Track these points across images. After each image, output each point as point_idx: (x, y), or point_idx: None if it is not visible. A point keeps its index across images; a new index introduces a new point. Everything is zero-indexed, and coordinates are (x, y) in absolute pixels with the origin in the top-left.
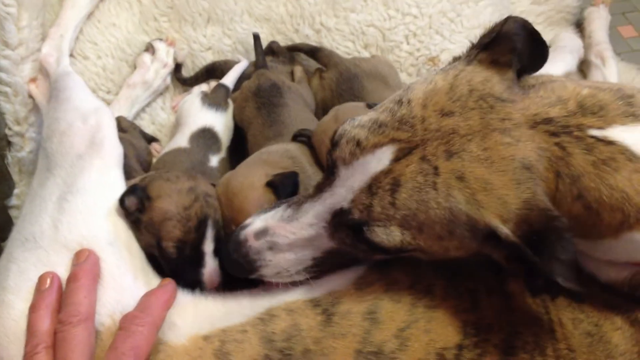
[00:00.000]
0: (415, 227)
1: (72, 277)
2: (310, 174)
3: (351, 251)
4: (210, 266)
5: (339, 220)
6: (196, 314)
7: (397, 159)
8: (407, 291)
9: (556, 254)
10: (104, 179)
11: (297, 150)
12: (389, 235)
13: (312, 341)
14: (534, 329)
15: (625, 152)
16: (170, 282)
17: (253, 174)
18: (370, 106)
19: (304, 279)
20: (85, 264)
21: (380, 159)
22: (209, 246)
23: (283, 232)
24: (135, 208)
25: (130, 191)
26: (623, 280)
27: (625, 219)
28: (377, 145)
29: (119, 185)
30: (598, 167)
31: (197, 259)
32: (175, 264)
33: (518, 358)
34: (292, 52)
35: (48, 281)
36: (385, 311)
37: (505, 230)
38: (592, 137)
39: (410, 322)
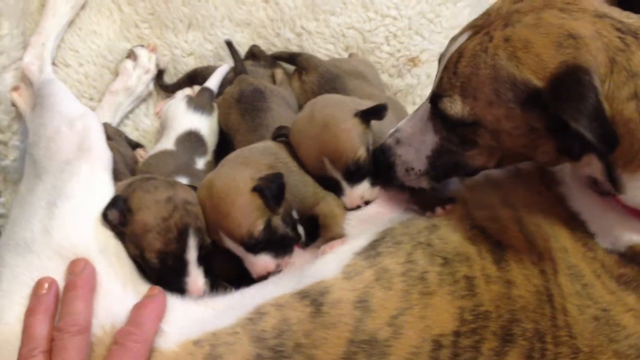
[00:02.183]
0: (471, 94)
1: (71, 286)
2: (294, 169)
3: (448, 147)
4: (194, 275)
5: (433, 106)
6: (185, 319)
7: (469, 39)
8: (398, 279)
9: (577, 101)
10: (93, 184)
11: (276, 147)
12: (452, 104)
13: (303, 334)
14: (534, 317)
15: None
16: (160, 292)
17: (238, 178)
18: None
19: (425, 183)
20: (83, 273)
21: (459, 43)
22: (192, 255)
23: (404, 127)
24: (118, 221)
25: (113, 204)
26: None
27: None
28: (461, 33)
29: (109, 190)
30: None
31: (181, 269)
32: (159, 274)
33: (517, 345)
34: (262, 49)
35: (46, 286)
36: (376, 299)
37: (535, 82)
38: None
39: (403, 309)
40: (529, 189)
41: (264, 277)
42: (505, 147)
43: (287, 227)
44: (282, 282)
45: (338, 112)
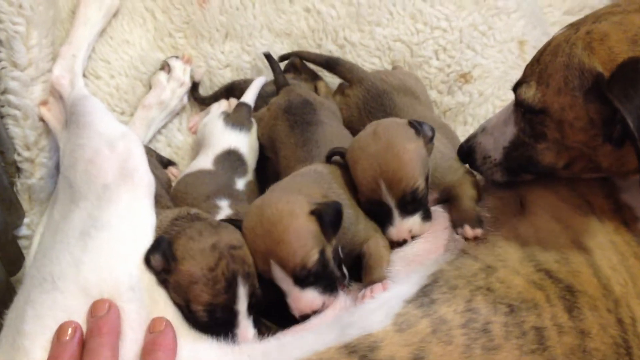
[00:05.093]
0: (545, 80)
1: (95, 332)
2: (347, 202)
3: (523, 139)
4: (243, 326)
5: (515, 94)
6: None
7: (561, 32)
8: (458, 331)
9: (629, 86)
10: (132, 213)
11: (327, 172)
12: (527, 88)
13: None
14: None
15: None
16: (167, 324)
17: (293, 201)
18: (412, 124)
19: (499, 174)
20: (108, 317)
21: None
22: (242, 305)
23: (492, 117)
24: (162, 268)
25: (156, 247)
26: None
27: None
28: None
29: (149, 219)
30: None
31: (230, 320)
32: (206, 327)
33: None
34: (304, 62)
35: (69, 332)
36: (434, 355)
37: (601, 71)
38: None
39: None
40: (603, 230)
41: (306, 317)
42: (568, 143)
43: (334, 263)
44: (324, 331)
45: (403, 133)
